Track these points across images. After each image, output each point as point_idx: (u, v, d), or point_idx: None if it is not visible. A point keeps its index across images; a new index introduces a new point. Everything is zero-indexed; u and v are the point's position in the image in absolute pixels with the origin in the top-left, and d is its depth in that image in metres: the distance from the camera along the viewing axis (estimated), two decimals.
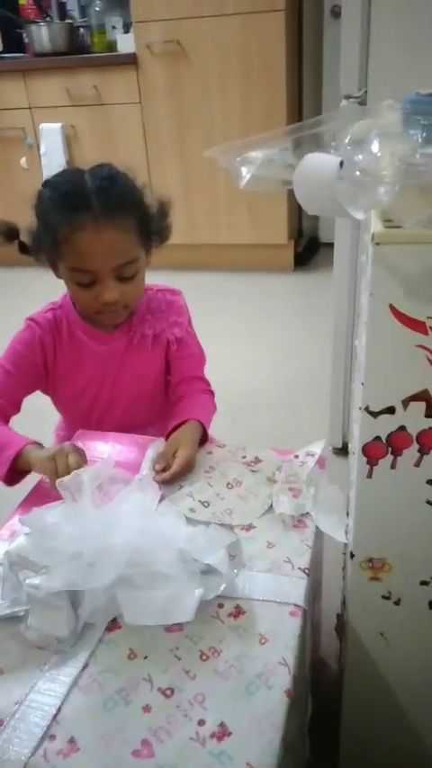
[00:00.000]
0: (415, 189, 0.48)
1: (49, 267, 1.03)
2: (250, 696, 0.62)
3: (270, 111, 2.73)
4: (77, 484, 0.80)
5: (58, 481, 0.81)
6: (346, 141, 0.52)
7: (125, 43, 2.85)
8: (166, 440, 0.99)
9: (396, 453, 0.69)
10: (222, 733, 0.59)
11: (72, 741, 0.59)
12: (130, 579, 0.70)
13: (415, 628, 0.80)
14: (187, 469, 0.93)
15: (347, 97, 1.33)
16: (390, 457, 0.70)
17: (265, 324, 2.58)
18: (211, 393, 1.16)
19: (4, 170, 3.17)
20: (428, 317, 0.61)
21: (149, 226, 1.03)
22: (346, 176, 0.47)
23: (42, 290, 1.24)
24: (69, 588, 0.69)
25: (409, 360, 0.64)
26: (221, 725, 0.59)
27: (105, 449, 1.01)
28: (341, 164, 0.47)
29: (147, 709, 0.61)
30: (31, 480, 0.96)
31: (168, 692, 0.63)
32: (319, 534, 0.85)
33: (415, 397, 0.66)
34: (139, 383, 1.14)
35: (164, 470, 0.92)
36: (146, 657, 0.66)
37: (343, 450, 1.67)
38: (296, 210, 3.07)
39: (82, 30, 3.10)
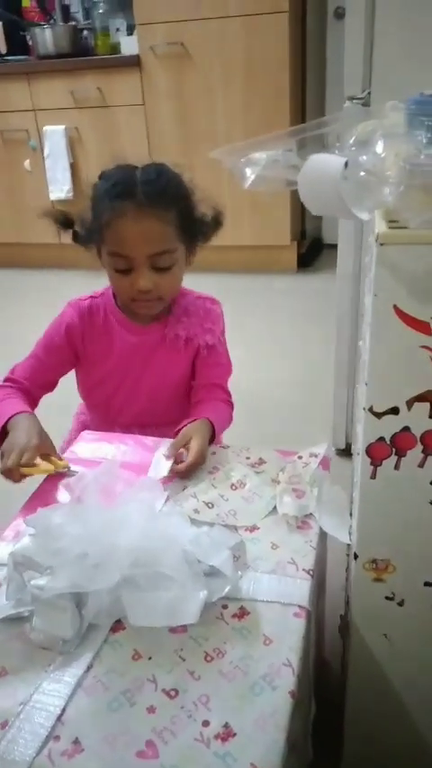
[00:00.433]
0: (420, 189, 0.48)
1: (97, 255, 1.07)
2: (255, 697, 0.62)
3: (273, 112, 2.73)
4: (82, 485, 0.80)
5: (61, 482, 0.82)
6: (351, 142, 0.53)
7: (129, 45, 2.86)
8: (175, 437, 0.99)
9: (400, 454, 0.69)
10: (227, 734, 0.59)
11: (77, 742, 0.59)
12: (134, 580, 0.70)
13: (419, 629, 0.80)
14: (201, 461, 0.94)
15: (351, 98, 1.33)
16: (393, 458, 0.70)
17: (269, 325, 2.58)
18: (231, 405, 1.17)
19: (8, 172, 3.18)
20: None
21: (193, 222, 1.05)
22: (350, 177, 0.47)
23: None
24: (74, 590, 0.69)
25: (413, 360, 0.64)
26: (226, 726, 0.59)
27: (110, 450, 1.02)
28: (346, 164, 0.48)
29: (151, 710, 0.61)
30: (34, 481, 0.96)
31: (173, 693, 0.63)
32: (322, 535, 0.84)
33: (419, 398, 0.66)
34: (163, 381, 1.16)
35: (176, 462, 0.93)
36: (150, 658, 0.66)
37: (346, 452, 1.67)
38: (299, 211, 3.07)
39: (86, 32, 3.10)
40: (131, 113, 2.91)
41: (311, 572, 0.77)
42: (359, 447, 0.74)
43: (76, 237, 1.09)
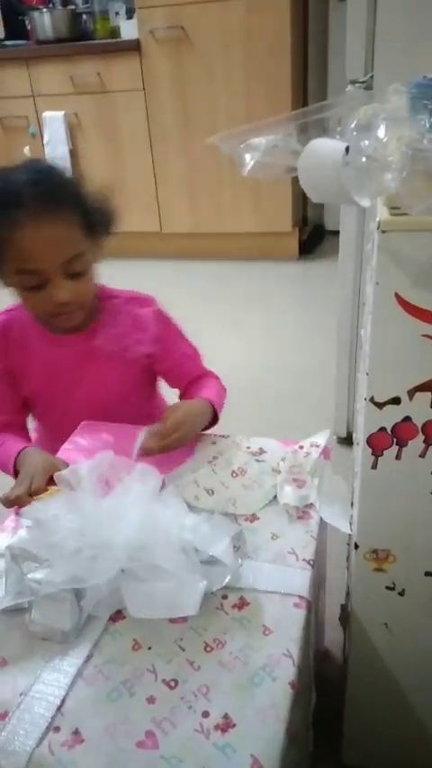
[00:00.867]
0: (422, 175, 0.47)
1: None
2: (254, 688, 0.62)
3: (275, 96, 2.70)
4: (77, 476, 0.79)
5: (56, 475, 0.82)
6: (352, 126, 0.51)
7: (128, 29, 2.82)
8: None
9: (401, 444, 0.69)
10: (227, 725, 0.59)
11: (76, 732, 0.59)
12: (133, 572, 0.70)
13: (419, 618, 0.80)
14: (181, 431, 0.92)
15: (353, 82, 1.31)
16: (395, 448, 0.69)
17: (270, 313, 2.57)
18: (217, 377, 1.15)
19: (8, 160, 3.11)
20: None
21: (93, 217, 0.97)
22: (352, 162, 0.46)
23: None
24: (72, 585, 0.68)
25: (415, 350, 0.63)
26: (226, 717, 0.59)
27: (108, 440, 1.01)
28: (347, 149, 0.46)
29: (151, 700, 0.61)
30: None
31: (173, 684, 0.62)
32: (323, 525, 0.84)
33: (421, 388, 0.65)
34: (104, 395, 1.08)
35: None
36: (150, 648, 0.66)
37: (347, 440, 1.66)
38: (301, 198, 3.04)
39: (85, 16, 3.07)
40: (131, 99, 2.88)
41: (312, 562, 0.76)
42: (360, 437, 0.73)
43: None
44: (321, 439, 0.92)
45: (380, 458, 0.70)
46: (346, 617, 0.92)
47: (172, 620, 0.69)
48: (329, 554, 1.02)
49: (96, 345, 1.05)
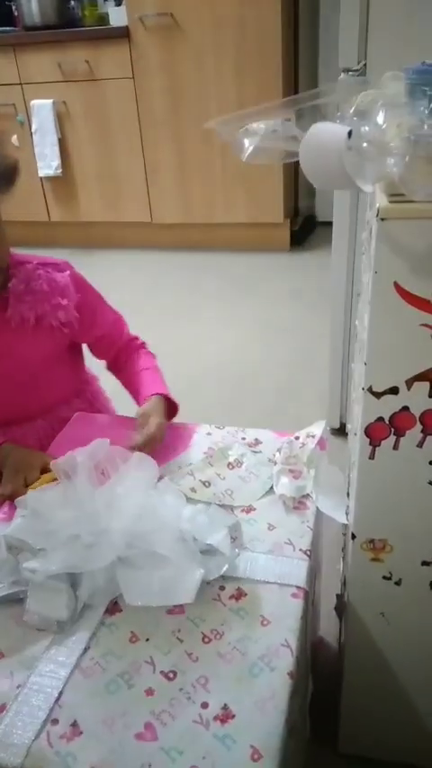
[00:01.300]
0: (424, 160, 0.46)
1: None
2: (253, 678, 0.62)
3: (265, 85, 2.68)
4: (72, 465, 0.79)
5: (52, 463, 0.80)
6: (351, 112, 0.51)
7: (117, 16, 2.78)
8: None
9: (399, 434, 0.69)
10: (226, 715, 0.58)
11: (75, 725, 0.58)
12: (130, 560, 0.69)
13: (415, 608, 0.80)
14: (160, 436, 0.93)
15: (346, 70, 1.30)
16: (392, 438, 0.69)
17: (261, 304, 2.56)
18: (147, 348, 1.13)
19: None
20: None
21: None
22: (354, 147, 0.46)
23: None
24: (68, 570, 0.68)
25: (414, 339, 0.63)
26: (225, 707, 0.59)
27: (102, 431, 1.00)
28: (349, 134, 0.46)
29: (149, 692, 0.61)
30: None
31: (171, 675, 0.62)
32: (319, 515, 0.84)
33: (419, 377, 0.65)
34: (19, 368, 1.01)
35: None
36: (147, 640, 0.66)
37: (340, 431, 1.66)
38: (292, 189, 3.03)
39: (73, 2, 3.02)
40: (121, 87, 2.85)
41: (309, 553, 0.76)
42: (357, 427, 0.73)
43: None
44: (317, 429, 0.92)
45: (377, 448, 0.70)
46: (342, 606, 0.92)
47: (169, 612, 0.69)
48: (323, 544, 1.02)
49: (13, 314, 0.96)
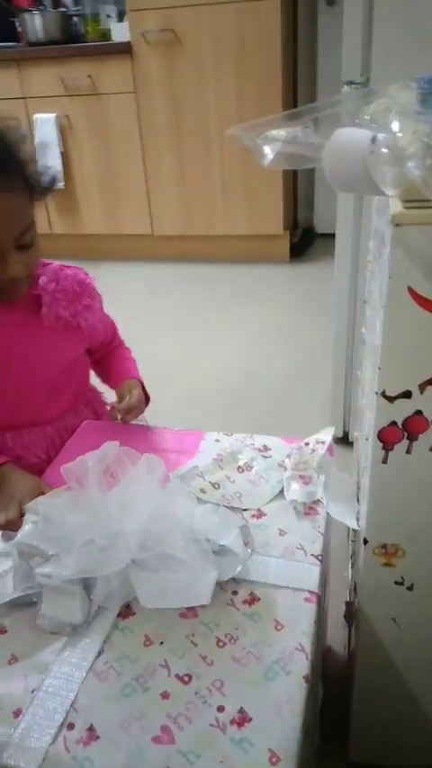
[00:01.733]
0: None
1: None
2: (269, 682, 0.62)
3: (265, 99, 2.72)
4: (83, 470, 0.79)
5: (63, 467, 0.80)
6: (368, 119, 0.52)
7: (119, 32, 2.82)
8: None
9: (412, 438, 0.69)
10: (243, 719, 0.58)
11: (91, 729, 0.58)
12: (144, 562, 0.69)
13: (428, 613, 0.80)
14: (141, 406, 1.03)
15: (349, 83, 1.32)
16: (405, 442, 0.70)
17: (261, 315, 2.58)
18: (130, 352, 1.18)
19: None
20: None
21: (33, 181, 0.89)
22: (377, 151, 0.47)
23: None
24: (82, 575, 0.68)
25: (428, 343, 0.63)
26: (241, 711, 0.59)
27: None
28: (373, 139, 0.47)
29: (165, 695, 0.61)
30: None
31: (186, 679, 0.62)
32: (329, 521, 0.84)
33: None
34: (52, 370, 1.01)
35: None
36: (162, 643, 0.66)
37: (343, 440, 1.67)
38: (291, 201, 3.06)
39: (76, 18, 3.06)
40: (123, 101, 2.88)
41: (320, 557, 0.76)
42: (370, 432, 0.73)
43: None
44: (326, 436, 0.92)
45: (390, 452, 0.70)
46: (351, 613, 0.92)
47: (182, 616, 0.69)
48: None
49: (49, 313, 0.97)
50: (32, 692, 0.62)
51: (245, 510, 0.83)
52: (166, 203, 3.05)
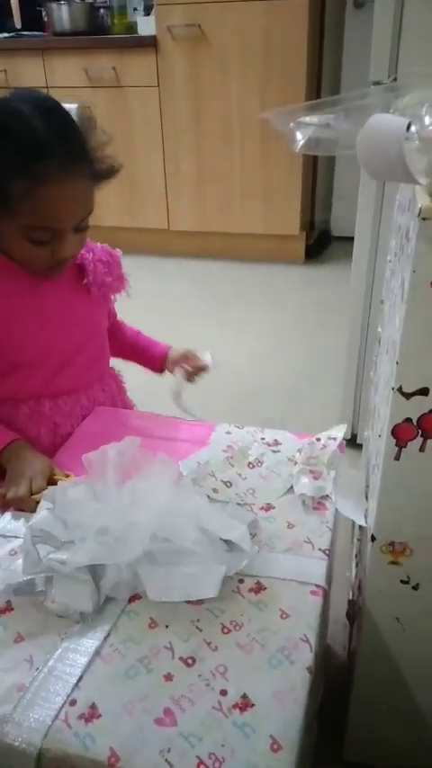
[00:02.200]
0: None
1: None
2: (273, 669, 0.62)
3: (288, 100, 2.71)
4: (104, 460, 0.79)
5: (84, 456, 0.80)
6: (402, 107, 0.52)
7: (145, 25, 2.83)
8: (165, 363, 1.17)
9: (426, 436, 0.69)
10: (245, 704, 0.58)
11: (93, 707, 0.58)
12: (153, 555, 0.69)
13: None
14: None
15: (376, 83, 1.32)
16: (419, 439, 0.69)
17: (275, 314, 2.57)
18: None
19: None
20: None
21: (98, 168, 0.90)
22: (413, 138, 0.47)
23: None
24: (96, 562, 0.68)
25: None
26: (244, 696, 0.59)
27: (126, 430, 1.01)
28: (409, 125, 0.47)
29: (168, 677, 0.61)
30: None
31: (190, 661, 0.62)
32: (337, 517, 0.84)
33: None
34: (91, 339, 1.04)
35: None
36: (167, 627, 0.66)
37: (351, 441, 1.66)
38: (309, 203, 3.05)
39: (102, 10, 3.07)
40: (145, 95, 2.89)
41: (328, 552, 0.76)
42: (384, 428, 0.73)
43: None
44: (338, 432, 0.92)
45: (403, 449, 0.70)
46: (354, 612, 0.92)
47: (188, 602, 0.68)
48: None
49: (94, 282, 1.00)
50: (36, 670, 0.62)
51: (253, 504, 0.83)
52: (183, 199, 3.05)
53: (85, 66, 2.89)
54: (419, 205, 0.57)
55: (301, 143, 0.53)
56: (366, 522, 0.82)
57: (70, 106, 2.99)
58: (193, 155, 2.94)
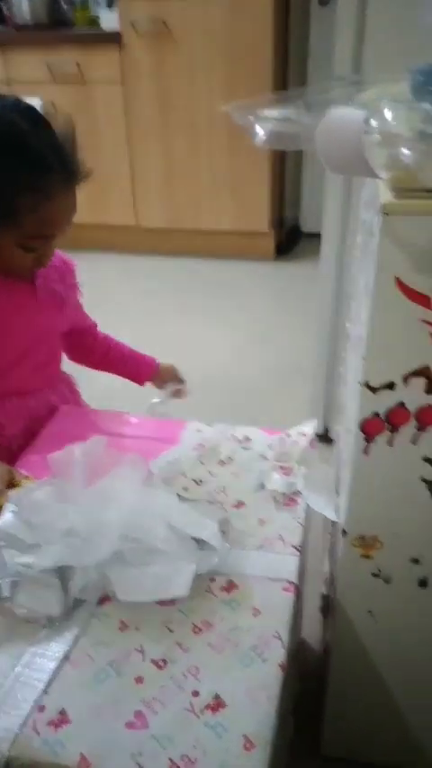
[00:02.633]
0: None
1: None
2: (245, 668, 0.61)
3: (255, 96, 2.70)
4: (69, 460, 0.78)
5: (49, 456, 0.78)
6: (363, 103, 0.52)
7: (108, 19, 2.79)
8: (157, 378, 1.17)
9: (393, 430, 0.69)
10: (217, 704, 0.58)
11: (63, 713, 0.57)
12: (122, 555, 0.68)
13: (403, 606, 0.81)
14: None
15: (340, 80, 1.32)
16: (387, 433, 0.70)
17: (244, 311, 2.57)
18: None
19: None
20: None
21: (76, 171, 0.88)
22: (371, 132, 0.47)
23: None
24: (63, 564, 0.67)
25: (413, 334, 0.63)
26: (216, 696, 0.59)
27: (92, 428, 1.00)
28: (366, 120, 0.47)
29: (139, 680, 0.60)
30: None
31: (161, 664, 0.62)
32: (308, 513, 0.84)
33: (416, 373, 0.66)
34: (44, 342, 1.03)
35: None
36: (137, 629, 0.65)
37: (323, 437, 1.67)
38: (278, 199, 3.06)
39: (64, 3, 3.02)
40: (109, 91, 2.85)
41: (299, 548, 0.76)
42: (352, 423, 0.73)
43: None
44: (308, 428, 0.92)
45: (372, 444, 0.71)
46: (327, 606, 0.92)
47: (160, 603, 0.68)
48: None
49: (43, 287, 0.98)
50: (4, 677, 0.60)
51: (224, 501, 0.83)
52: (151, 195, 3.03)
53: (47, 60, 2.84)
54: (381, 201, 0.57)
55: (263, 137, 0.53)
56: (337, 517, 0.82)
57: (33, 101, 2.93)
58: (160, 151, 2.92)
